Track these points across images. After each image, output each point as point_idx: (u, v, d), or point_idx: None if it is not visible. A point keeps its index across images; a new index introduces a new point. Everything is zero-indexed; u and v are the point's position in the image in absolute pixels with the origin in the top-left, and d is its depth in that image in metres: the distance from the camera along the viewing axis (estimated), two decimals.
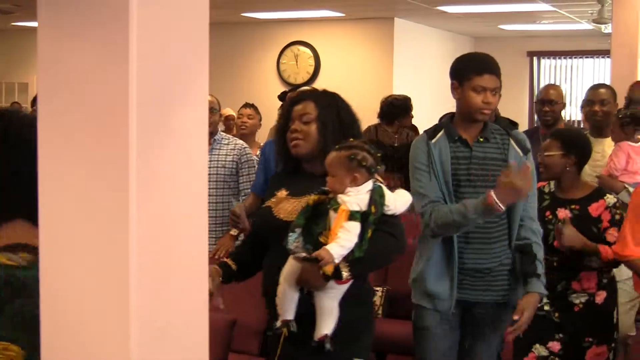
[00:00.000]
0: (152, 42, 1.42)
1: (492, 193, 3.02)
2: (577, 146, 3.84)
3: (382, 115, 7.34)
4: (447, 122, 3.38)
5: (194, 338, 1.56)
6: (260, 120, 6.62)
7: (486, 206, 3.03)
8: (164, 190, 1.47)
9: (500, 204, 3.01)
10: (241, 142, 5.10)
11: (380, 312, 5.09)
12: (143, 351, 1.43)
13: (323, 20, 11.28)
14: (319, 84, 11.07)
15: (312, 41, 11.49)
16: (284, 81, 11.45)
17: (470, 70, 3.30)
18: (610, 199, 3.80)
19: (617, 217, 3.74)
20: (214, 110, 4.90)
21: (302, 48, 11.53)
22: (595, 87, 5.22)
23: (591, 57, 12.94)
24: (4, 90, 13.46)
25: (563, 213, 3.80)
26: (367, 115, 8.82)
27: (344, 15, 10.84)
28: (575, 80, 13.37)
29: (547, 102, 5.14)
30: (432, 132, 3.34)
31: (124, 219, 1.40)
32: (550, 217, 3.81)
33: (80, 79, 1.43)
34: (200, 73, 1.54)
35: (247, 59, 11.88)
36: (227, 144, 4.95)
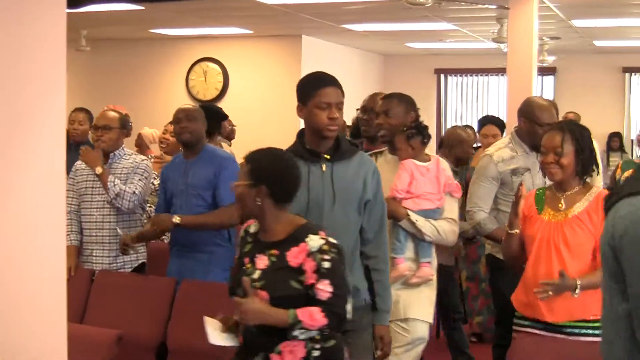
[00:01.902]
0: (11, 59, 1.48)
1: None
2: (268, 174, 2.93)
3: None
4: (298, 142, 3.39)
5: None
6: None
7: None
8: (23, 200, 1.50)
9: None
10: (142, 157, 4.98)
11: None
12: None
13: (232, 37, 11.31)
14: (228, 101, 11.17)
15: (220, 58, 11.51)
16: (193, 97, 11.43)
17: (312, 87, 3.32)
18: (315, 241, 2.86)
19: (326, 265, 2.83)
20: (108, 127, 4.77)
21: (211, 64, 11.54)
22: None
23: (495, 75, 13.29)
24: None
25: (261, 261, 2.94)
26: (275, 131, 8.92)
27: (252, 32, 10.89)
28: (481, 98, 13.73)
29: (369, 111, 4.69)
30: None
31: None
32: (249, 266, 2.95)
33: None
34: (57, 86, 1.58)
35: (156, 75, 11.82)
36: (127, 159, 4.84)
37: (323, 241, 2.86)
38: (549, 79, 13.13)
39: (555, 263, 3.44)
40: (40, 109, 1.54)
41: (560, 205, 3.51)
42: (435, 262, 4.02)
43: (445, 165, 4.03)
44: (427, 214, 3.90)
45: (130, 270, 4.73)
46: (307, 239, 2.85)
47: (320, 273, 2.80)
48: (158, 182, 5.23)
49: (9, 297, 1.55)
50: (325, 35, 11.18)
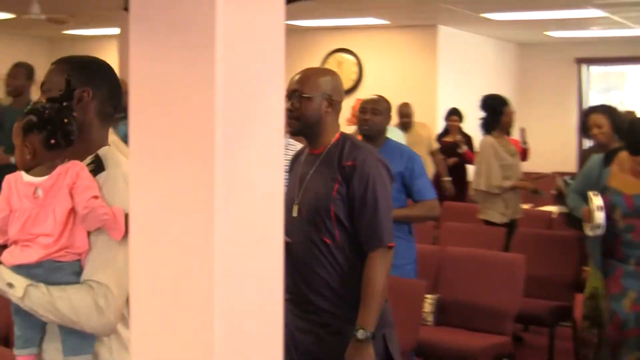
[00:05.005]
0: (235, 50, 1.50)
1: None
2: None
3: None
4: None
5: (270, 331, 1.63)
6: None
7: None
8: (246, 189, 1.55)
9: None
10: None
11: (430, 319, 5.01)
12: (225, 341, 1.50)
13: (366, 28, 11.23)
14: (362, 92, 11.07)
15: (355, 49, 11.45)
16: None
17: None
18: None
19: None
20: None
21: (346, 55, 11.49)
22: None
23: None
24: None
25: None
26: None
27: (388, 22, 10.77)
28: (628, 87, 13.13)
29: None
30: None
31: (210, 217, 1.48)
32: None
33: (168, 84, 1.52)
34: (277, 78, 1.62)
35: (290, 66, 11.70)
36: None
37: None
38: None
39: None
40: (259, 103, 1.58)
41: None
42: None
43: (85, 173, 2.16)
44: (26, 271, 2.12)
45: None
46: None
47: None
48: None
49: (240, 281, 1.58)
50: (462, 24, 10.95)
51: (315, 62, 11.63)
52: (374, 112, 4.57)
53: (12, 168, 2.24)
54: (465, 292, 5.09)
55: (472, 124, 9.81)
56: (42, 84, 2.35)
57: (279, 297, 1.63)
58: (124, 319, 2.13)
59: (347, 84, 11.42)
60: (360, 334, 2.92)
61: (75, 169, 2.12)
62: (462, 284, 5.13)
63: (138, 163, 1.58)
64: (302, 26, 11.26)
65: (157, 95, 1.53)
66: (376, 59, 11.35)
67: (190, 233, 1.50)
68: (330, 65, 11.55)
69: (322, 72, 3.28)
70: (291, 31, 11.46)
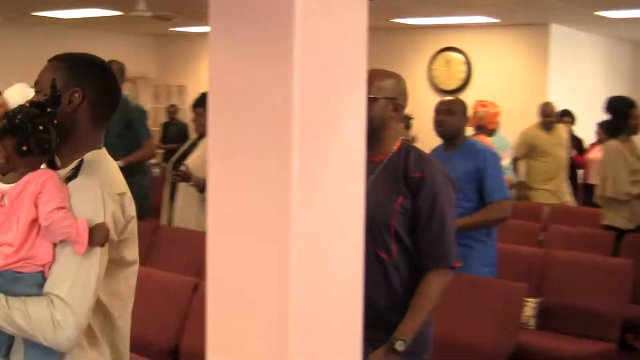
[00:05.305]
0: (315, 50, 1.48)
1: None
2: None
3: None
4: None
5: (348, 337, 1.63)
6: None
7: None
8: (324, 193, 1.53)
9: None
10: None
11: (532, 323, 4.94)
12: (301, 345, 1.49)
13: (475, 26, 11.09)
14: (471, 91, 10.96)
15: (464, 47, 11.33)
16: (435, 88, 11.35)
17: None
18: None
19: None
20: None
21: (454, 54, 11.38)
22: None
23: None
24: (162, 93, 14.00)
25: None
26: (520, 123, 8.63)
27: (498, 20, 10.62)
28: None
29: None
30: None
31: (286, 220, 1.46)
32: None
33: (247, 85, 1.50)
34: (359, 80, 1.61)
35: (397, 65, 11.77)
36: None
37: None
38: None
39: None
40: (339, 106, 1.58)
41: None
42: None
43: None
44: None
45: None
46: None
47: None
48: None
49: (319, 285, 1.56)
50: (575, 23, 10.68)
51: (423, 61, 11.58)
52: (448, 112, 4.59)
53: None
54: (570, 297, 5.00)
55: (584, 126, 9.58)
56: (35, 83, 2.26)
57: (359, 308, 1.64)
58: (94, 336, 2.10)
59: (454, 83, 11.32)
60: (398, 345, 2.73)
61: (42, 178, 2.03)
62: (566, 288, 5.04)
63: (217, 164, 1.57)
64: (410, 24, 11.21)
65: (235, 95, 1.52)
66: (485, 57, 11.20)
67: (267, 240, 1.49)
68: (438, 63, 11.48)
69: (388, 74, 3.10)
70: (399, 29, 11.50)
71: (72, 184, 2.08)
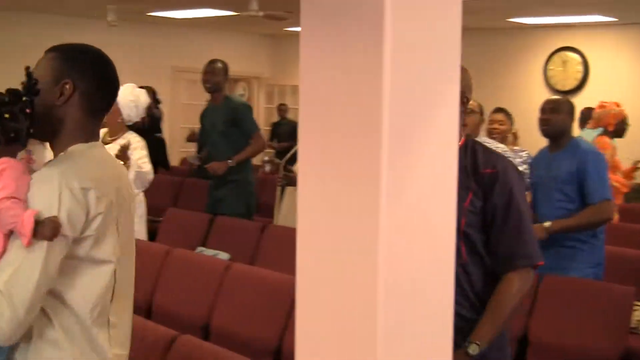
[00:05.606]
0: (406, 50, 1.48)
1: None
2: None
3: None
4: None
5: (439, 334, 1.63)
6: (512, 125, 6.34)
7: None
8: (413, 192, 1.52)
9: None
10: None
11: None
12: (389, 343, 1.50)
13: (593, 26, 10.79)
14: (588, 92, 10.67)
15: (581, 47, 11.04)
16: (550, 88, 11.11)
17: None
18: None
19: None
20: (473, 112, 4.84)
21: (571, 54, 11.11)
22: None
23: None
24: (276, 92, 14.20)
25: None
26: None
27: (615, 19, 10.30)
28: None
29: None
30: None
31: (375, 218, 1.46)
32: None
33: (337, 84, 1.52)
34: (452, 79, 1.59)
35: (512, 64, 11.64)
36: None
37: None
38: None
39: None
40: (438, 103, 1.57)
41: None
42: None
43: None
44: None
45: None
46: None
47: None
48: None
49: (407, 282, 1.56)
50: None
51: (539, 60, 11.35)
52: (553, 111, 4.51)
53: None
54: None
55: None
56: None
57: (449, 311, 1.63)
58: (44, 335, 2.03)
59: (571, 83, 11.04)
60: (472, 349, 2.54)
61: (0, 167, 1.99)
62: None
63: (307, 163, 1.58)
64: (527, 24, 11.01)
65: (325, 95, 1.53)
66: (603, 57, 10.88)
67: (355, 238, 1.49)
68: (555, 63, 11.23)
69: None
70: (516, 29, 11.31)
71: (35, 175, 2.03)
